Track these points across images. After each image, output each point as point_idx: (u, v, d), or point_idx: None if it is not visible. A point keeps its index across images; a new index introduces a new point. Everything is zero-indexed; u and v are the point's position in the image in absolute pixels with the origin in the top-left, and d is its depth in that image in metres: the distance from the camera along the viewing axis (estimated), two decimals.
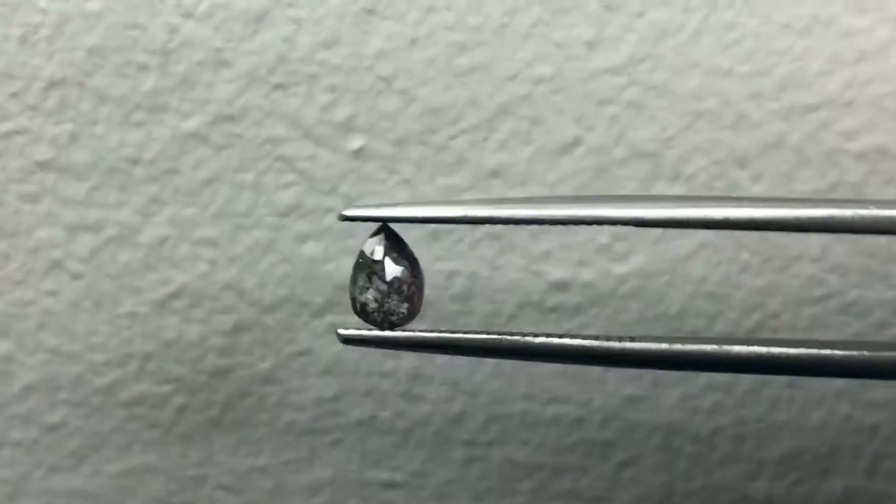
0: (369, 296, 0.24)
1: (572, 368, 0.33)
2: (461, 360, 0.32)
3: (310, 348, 0.32)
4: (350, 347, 0.32)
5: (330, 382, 0.33)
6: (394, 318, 0.24)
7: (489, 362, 0.32)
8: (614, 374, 0.33)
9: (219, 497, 0.33)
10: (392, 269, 0.24)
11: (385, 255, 0.24)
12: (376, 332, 0.24)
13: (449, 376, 0.33)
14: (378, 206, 0.24)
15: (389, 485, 0.33)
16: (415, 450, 0.33)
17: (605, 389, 0.33)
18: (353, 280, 0.25)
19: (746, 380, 0.33)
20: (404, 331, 0.24)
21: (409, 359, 0.32)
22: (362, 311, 0.24)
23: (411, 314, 0.25)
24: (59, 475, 0.33)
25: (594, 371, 0.33)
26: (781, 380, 0.33)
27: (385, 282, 0.24)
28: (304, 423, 0.33)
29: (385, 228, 0.25)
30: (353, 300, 0.25)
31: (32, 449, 0.33)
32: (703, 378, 0.33)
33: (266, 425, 0.33)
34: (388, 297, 0.24)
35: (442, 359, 0.32)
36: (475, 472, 0.33)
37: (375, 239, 0.24)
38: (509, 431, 0.33)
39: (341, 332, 0.24)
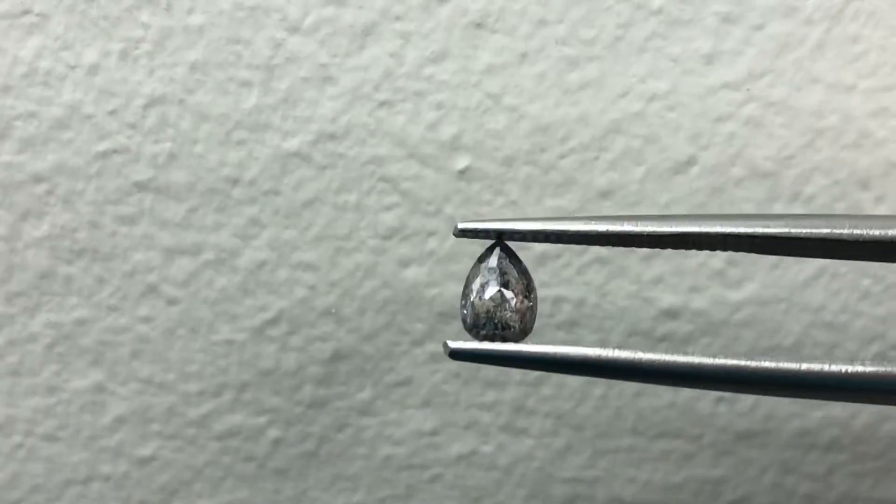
0: (481, 309, 0.23)
1: (683, 401, 0.31)
2: (566, 391, 0.31)
3: (410, 378, 0.31)
4: (451, 379, 0.31)
5: (429, 415, 0.31)
6: (506, 333, 0.23)
7: (595, 394, 0.31)
8: (726, 408, 0.32)
9: None
10: (507, 283, 0.23)
11: (501, 268, 0.23)
12: (487, 345, 0.23)
13: (554, 408, 0.31)
14: (494, 220, 0.23)
15: None
16: (517, 486, 0.32)
17: (717, 424, 0.32)
18: (466, 292, 0.24)
19: (865, 415, 0.32)
20: (515, 346, 0.23)
21: (512, 390, 0.31)
22: (474, 326, 0.23)
23: (524, 332, 0.24)
24: None
25: (705, 405, 0.31)
26: None
27: (499, 294, 0.23)
28: (401, 457, 0.32)
29: (501, 243, 0.24)
30: (464, 314, 0.24)
31: (122, 483, 0.32)
32: (820, 413, 0.32)
33: (363, 459, 0.32)
34: (500, 310, 0.23)
35: (547, 390, 0.31)
36: None
37: (491, 252, 0.24)
38: (616, 468, 0.32)
39: (450, 344, 0.23)
